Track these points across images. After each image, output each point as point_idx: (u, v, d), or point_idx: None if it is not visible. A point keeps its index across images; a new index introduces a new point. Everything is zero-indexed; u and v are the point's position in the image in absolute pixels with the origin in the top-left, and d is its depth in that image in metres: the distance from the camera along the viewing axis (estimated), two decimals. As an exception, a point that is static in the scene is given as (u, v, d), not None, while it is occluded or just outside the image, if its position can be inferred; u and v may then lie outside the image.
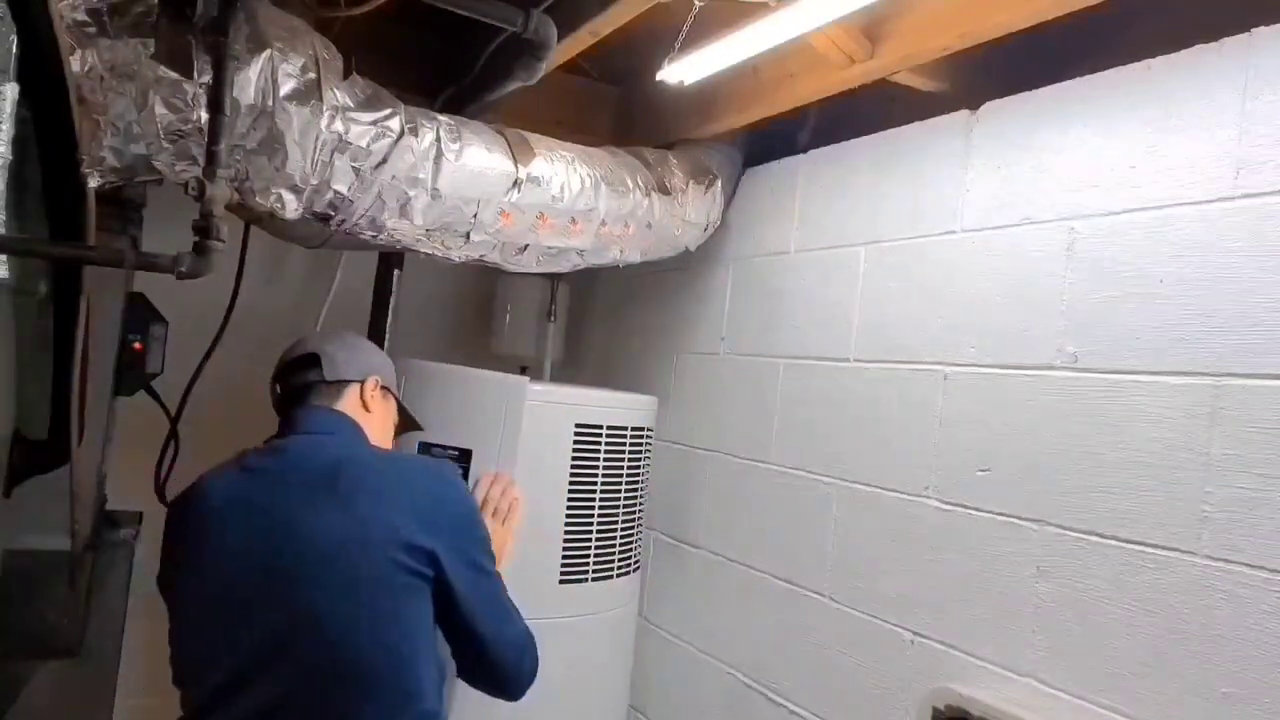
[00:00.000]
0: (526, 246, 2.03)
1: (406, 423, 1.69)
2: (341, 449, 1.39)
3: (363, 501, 1.28)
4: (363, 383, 1.52)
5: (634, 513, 2.31)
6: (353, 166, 1.69)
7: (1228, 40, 1.38)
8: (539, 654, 1.48)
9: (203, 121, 1.46)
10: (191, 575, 1.33)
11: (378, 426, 1.54)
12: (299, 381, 1.48)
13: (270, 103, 1.54)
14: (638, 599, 2.43)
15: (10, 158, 1.08)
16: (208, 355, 2.22)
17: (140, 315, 2.03)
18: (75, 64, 1.31)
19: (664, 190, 2.20)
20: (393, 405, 1.62)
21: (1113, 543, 1.43)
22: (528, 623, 1.49)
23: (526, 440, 2.05)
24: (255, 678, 1.24)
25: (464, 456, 2.02)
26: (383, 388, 1.56)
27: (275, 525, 1.27)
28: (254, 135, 1.55)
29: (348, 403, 1.49)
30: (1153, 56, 1.48)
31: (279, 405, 1.51)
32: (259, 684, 1.24)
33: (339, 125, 1.64)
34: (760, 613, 2.16)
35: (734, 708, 2.22)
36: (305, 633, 1.23)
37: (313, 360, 1.49)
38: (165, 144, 1.47)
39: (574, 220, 2.03)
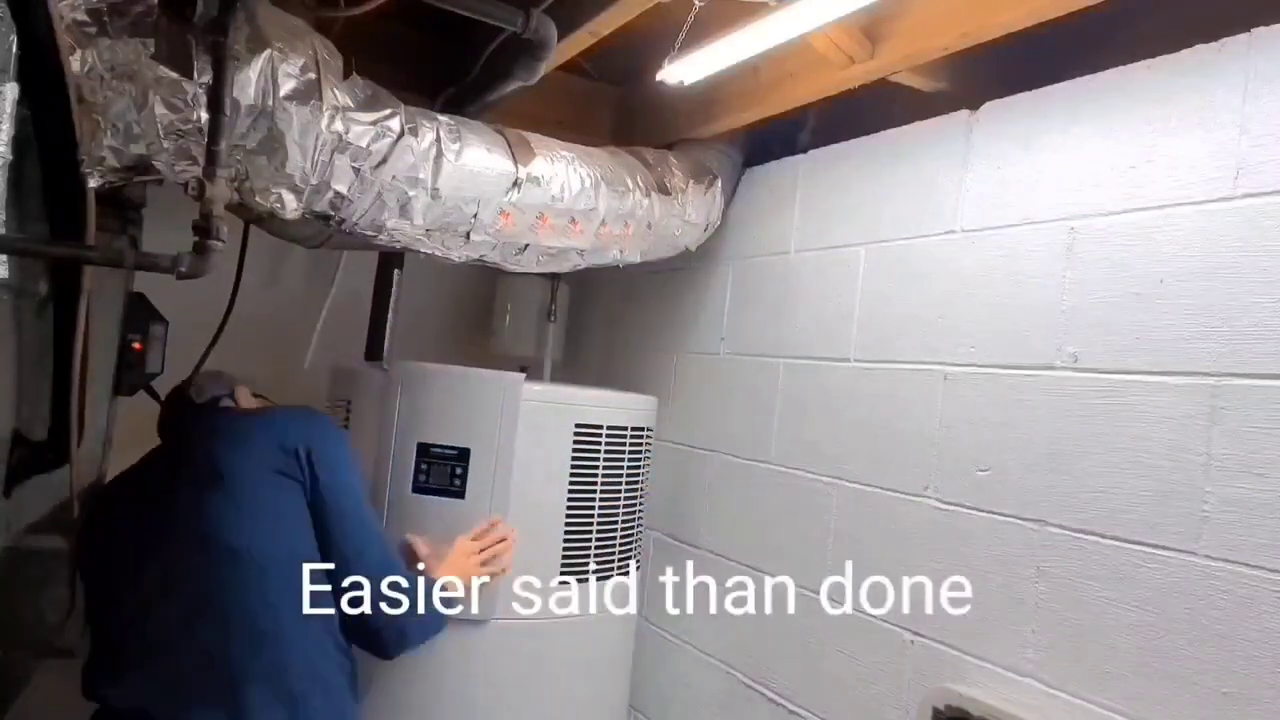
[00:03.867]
0: (526, 246, 2.03)
1: None
2: None
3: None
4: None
5: (634, 512, 2.31)
6: (353, 166, 1.69)
7: (1228, 40, 1.38)
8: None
9: (203, 121, 1.46)
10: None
11: None
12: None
13: (270, 103, 1.54)
14: (638, 599, 2.43)
15: (10, 158, 1.08)
16: (207, 355, 2.22)
17: (140, 315, 2.03)
18: (75, 64, 1.31)
19: (664, 190, 2.20)
20: None
21: (1113, 543, 1.43)
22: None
23: (525, 439, 2.05)
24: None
25: (462, 455, 2.03)
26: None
27: None
28: (254, 135, 1.55)
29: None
30: (1153, 56, 1.47)
31: None
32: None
33: (339, 125, 1.64)
34: (760, 613, 2.15)
35: (734, 708, 2.22)
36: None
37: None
38: (165, 144, 1.47)
39: (574, 220, 2.03)
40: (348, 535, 1.58)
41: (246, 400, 1.81)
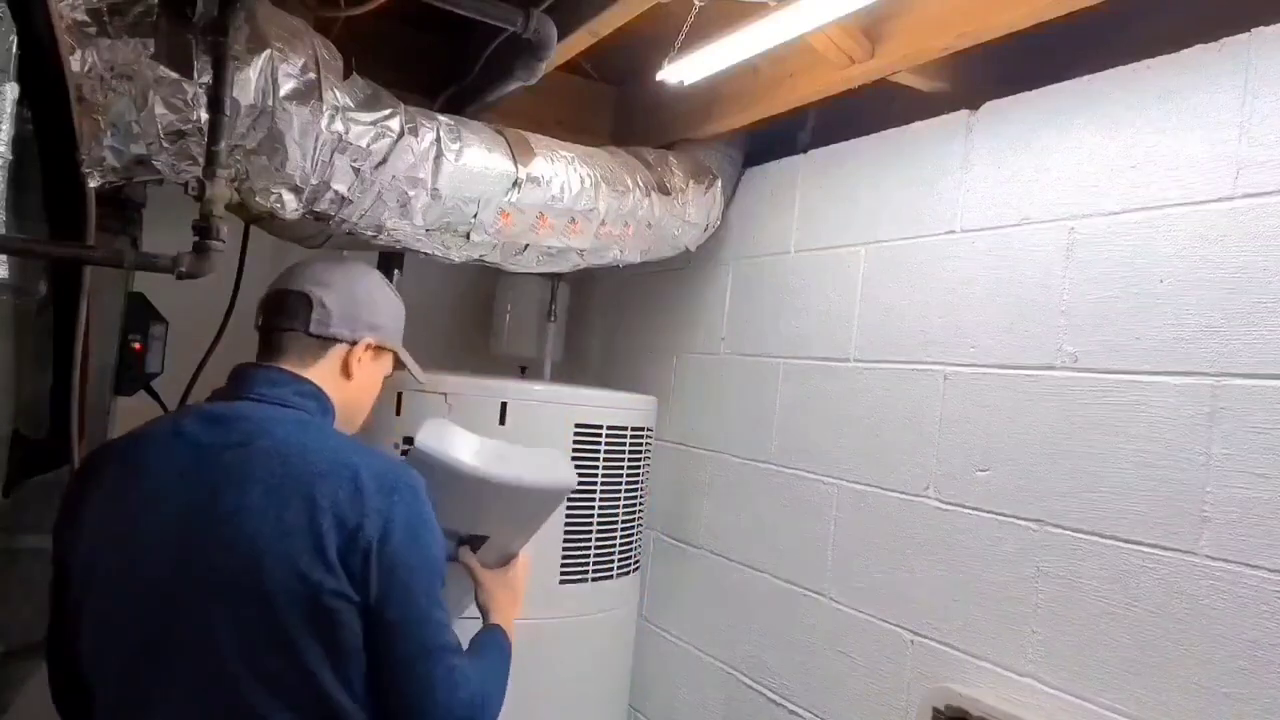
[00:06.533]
0: (526, 246, 2.03)
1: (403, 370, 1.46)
2: (289, 434, 1.13)
3: (294, 509, 1.05)
4: (353, 344, 1.27)
5: (634, 513, 2.31)
6: (353, 166, 1.69)
7: (1228, 40, 1.38)
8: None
9: (203, 121, 1.46)
10: (99, 546, 1.11)
11: (354, 394, 1.30)
12: (278, 325, 1.24)
13: (270, 103, 1.54)
14: (638, 599, 2.43)
15: (10, 158, 1.08)
16: (208, 355, 2.22)
17: (140, 315, 2.02)
18: (75, 64, 1.31)
19: (664, 190, 2.20)
20: (386, 361, 1.37)
21: (1113, 543, 1.43)
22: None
23: (524, 439, 2.05)
24: (150, 694, 1.06)
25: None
26: (377, 348, 1.31)
27: (196, 516, 1.06)
28: (254, 135, 1.55)
29: (325, 366, 1.25)
30: (1153, 56, 1.48)
31: (260, 338, 1.27)
32: (152, 702, 1.06)
33: (339, 125, 1.64)
34: (760, 613, 2.16)
35: (734, 708, 2.22)
36: (198, 651, 1.04)
37: (303, 302, 1.24)
38: (165, 144, 1.47)
39: (574, 220, 2.03)
40: None
41: None
